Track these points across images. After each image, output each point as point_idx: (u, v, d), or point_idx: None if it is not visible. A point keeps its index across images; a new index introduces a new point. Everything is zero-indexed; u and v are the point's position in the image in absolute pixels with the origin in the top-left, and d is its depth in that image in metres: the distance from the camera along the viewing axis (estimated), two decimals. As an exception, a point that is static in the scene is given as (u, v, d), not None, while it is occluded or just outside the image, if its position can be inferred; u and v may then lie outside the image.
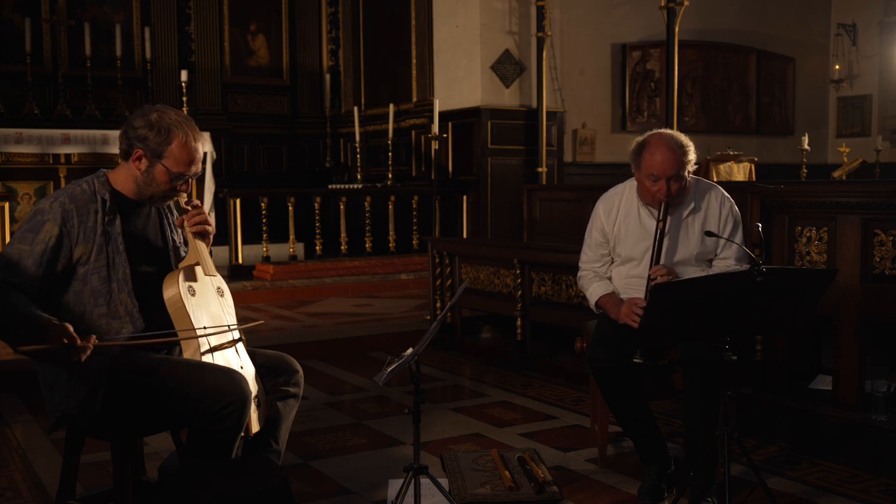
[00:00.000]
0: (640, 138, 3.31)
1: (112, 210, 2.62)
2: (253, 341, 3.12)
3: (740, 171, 8.72)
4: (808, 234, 3.79)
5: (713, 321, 2.73)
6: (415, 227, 8.92)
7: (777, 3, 11.12)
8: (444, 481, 3.26)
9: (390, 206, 8.76)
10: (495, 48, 8.80)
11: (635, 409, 3.18)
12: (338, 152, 11.62)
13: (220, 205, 8.31)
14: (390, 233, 8.75)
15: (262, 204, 8.12)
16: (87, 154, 8.26)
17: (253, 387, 2.67)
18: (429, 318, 6.35)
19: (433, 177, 8.75)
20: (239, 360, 2.69)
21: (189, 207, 2.75)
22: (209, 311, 2.69)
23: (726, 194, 3.38)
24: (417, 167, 10.02)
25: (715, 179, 7.87)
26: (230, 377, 2.52)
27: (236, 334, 2.74)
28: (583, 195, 6.86)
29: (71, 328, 2.26)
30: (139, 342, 2.53)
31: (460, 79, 8.97)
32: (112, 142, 8.06)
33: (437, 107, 8.71)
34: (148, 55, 10.21)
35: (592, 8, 9.42)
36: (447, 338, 6.05)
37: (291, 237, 8.32)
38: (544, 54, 8.73)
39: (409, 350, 2.69)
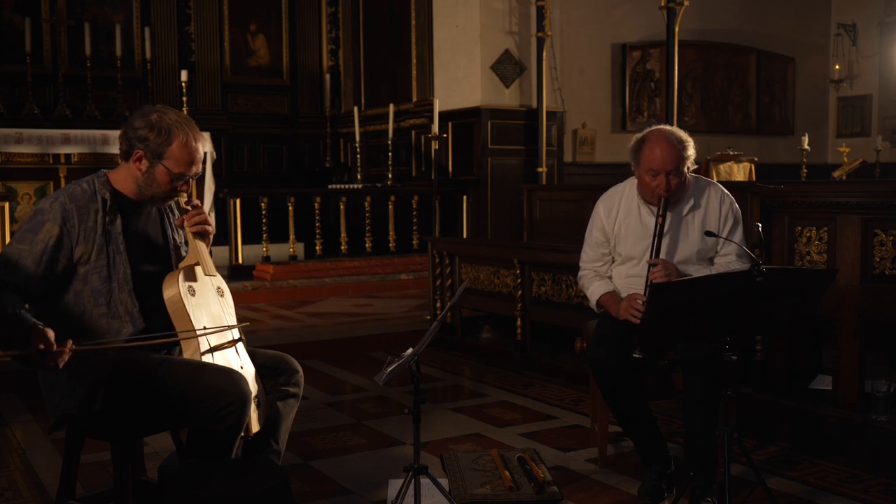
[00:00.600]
0: (639, 135, 3.33)
1: (112, 210, 2.62)
2: (253, 341, 3.12)
3: (740, 171, 8.72)
4: (808, 234, 3.79)
5: (713, 321, 2.73)
6: (415, 227, 8.92)
7: (777, 3, 11.13)
8: (444, 481, 3.26)
9: (390, 206, 8.76)
10: (495, 48, 8.81)
11: (635, 409, 3.18)
12: (338, 152, 11.62)
13: (220, 205, 8.31)
14: (390, 233, 8.75)
15: (262, 204, 8.13)
16: (87, 154, 8.26)
17: (253, 387, 2.67)
18: (429, 318, 6.35)
19: (433, 177, 8.76)
20: (239, 360, 2.69)
21: (189, 207, 2.75)
22: (209, 310, 2.69)
23: (726, 191, 3.39)
24: (417, 167, 10.02)
25: (715, 179, 7.86)
26: (230, 377, 2.52)
27: (236, 334, 2.74)
28: (583, 195, 6.86)
29: (51, 334, 2.23)
30: (123, 345, 2.51)
31: (460, 79, 8.98)
32: (112, 142, 8.06)
33: (437, 107, 8.71)
34: (148, 55, 10.21)
35: (592, 8, 9.42)
36: (447, 338, 6.05)
37: (291, 237, 8.32)
38: (544, 54, 8.73)
39: (409, 350, 2.69)
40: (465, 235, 8.94)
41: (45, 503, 3.24)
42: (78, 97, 9.76)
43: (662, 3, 7.62)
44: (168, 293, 2.60)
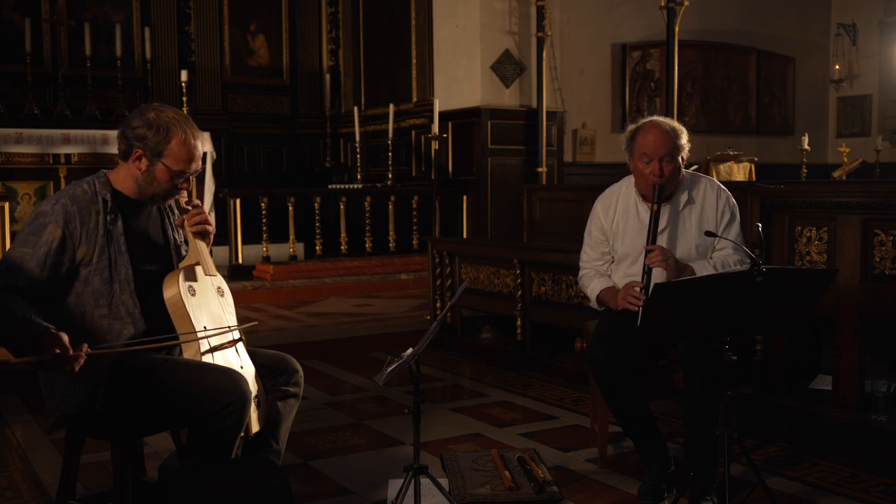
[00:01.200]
0: (632, 126, 3.36)
1: (113, 210, 2.61)
2: (253, 341, 3.12)
3: (740, 171, 8.72)
4: (808, 234, 3.79)
5: (713, 321, 2.73)
6: (415, 227, 8.92)
7: (777, 3, 11.12)
8: (444, 481, 3.26)
9: (390, 206, 8.76)
10: (495, 48, 8.81)
11: (635, 409, 3.18)
12: (338, 152, 11.62)
13: (220, 205, 8.31)
14: (390, 233, 8.75)
15: (262, 204, 8.13)
16: (87, 154, 8.26)
17: (253, 387, 2.67)
18: (429, 318, 6.35)
19: (433, 177, 8.75)
20: (239, 360, 2.69)
21: (189, 207, 2.74)
22: (209, 310, 2.69)
23: (721, 185, 3.40)
24: (417, 167, 10.02)
25: (715, 179, 7.87)
26: (230, 377, 2.52)
27: (237, 334, 2.74)
28: (583, 195, 6.86)
29: (66, 338, 2.24)
30: (134, 347, 2.51)
31: (460, 79, 8.97)
32: (112, 142, 8.05)
33: (437, 107, 8.71)
34: (148, 55, 10.21)
35: (592, 8, 9.42)
36: (447, 338, 6.05)
37: (291, 237, 8.32)
38: (544, 54, 8.73)
39: (409, 350, 2.69)
40: (465, 235, 8.94)
41: (45, 503, 3.24)
42: (78, 97, 9.76)
43: (662, 3, 7.62)
44: (168, 293, 2.60)
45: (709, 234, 3.19)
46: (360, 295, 8.00)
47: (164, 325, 2.60)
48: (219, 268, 2.91)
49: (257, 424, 2.69)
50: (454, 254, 6.08)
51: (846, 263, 3.63)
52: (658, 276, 3.17)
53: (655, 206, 3.22)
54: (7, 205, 6.61)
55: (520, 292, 5.39)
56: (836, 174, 9.47)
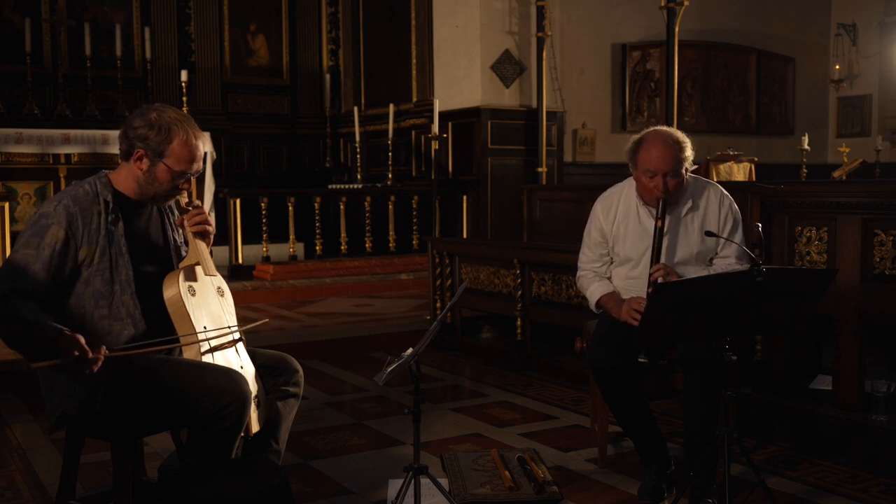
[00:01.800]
0: (636, 136, 3.32)
1: (115, 211, 2.61)
2: (253, 341, 3.12)
3: (740, 171, 8.72)
4: (808, 234, 3.79)
5: (713, 321, 2.73)
6: (415, 227, 8.92)
7: (777, 3, 11.12)
8: (444, 481, 3.26)
9: (390, 206, 8.76)
10: (495, 48, 8.81)
11: (635, 409, 3.18)
12: (338, 152, 11.62)
13: (220, 205, 8.31)
14: (390, 233, 8.75)
15: (262, 204, 8.13)
16: (87, 154, 8.27)
17: (253, 387, 2.67)
18: (429, 318, 6.35)
19: (433, 177, 8.75)
20: (239, 360, 2.69)
21: (189, 207, 2.74)
22: (209, 310, 2.69)
23: (725, 192, 3.38)
24: (417, 167, 10.02)
25: (715, 179, 7.87)
26: (230, 377, 2.52)
27: (237, 334, 2.74)
28: (583, 195, 6.86)
29: (82, 339, 2.26)
30: (151, 349, 2.52)
31: (460, 79, 8.97)
32: (112, 142, 8.06)
33: (437, 107, 8.71)
34: (148, 55, 10.21)
35: (592, 8, 9.42)
36: (447, 338, 6.05)
37: (291, 237, 8.32)
38: (544, 54, 8.73)
39: (409, 350, 2.69)
40: (465, 235, 8.94)
41: (45, 503, 3.24)
42: (78, 97, 9.76)
43: (662, 3, 7.62)
44: (168, 293, 2.60)
45: (709, 234, 3.19)
46: (360, 295, 8.00)
47: (164, 325, 2.60)
48: (219, 268, 2.91)
49: (257, 424, 2.69)
50: (454, 254, 6.08)
51: (846, 263, 3.63)
52: None
53: (660, 222, 3.21)
54: (7, 205, 6.61)
55: (520, 292, 5.39)
56: (836, 174, 9.47)
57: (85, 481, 3.29)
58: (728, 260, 3.31)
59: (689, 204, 3.32)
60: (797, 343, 4.01)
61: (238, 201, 8.11)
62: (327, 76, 11.48)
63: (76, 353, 2.23)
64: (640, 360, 3.16)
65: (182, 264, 2.71)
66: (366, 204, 8.74)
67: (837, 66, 11.90)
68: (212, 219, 2.82)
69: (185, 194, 2.73)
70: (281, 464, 2.73)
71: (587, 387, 4.34)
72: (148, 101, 9.91)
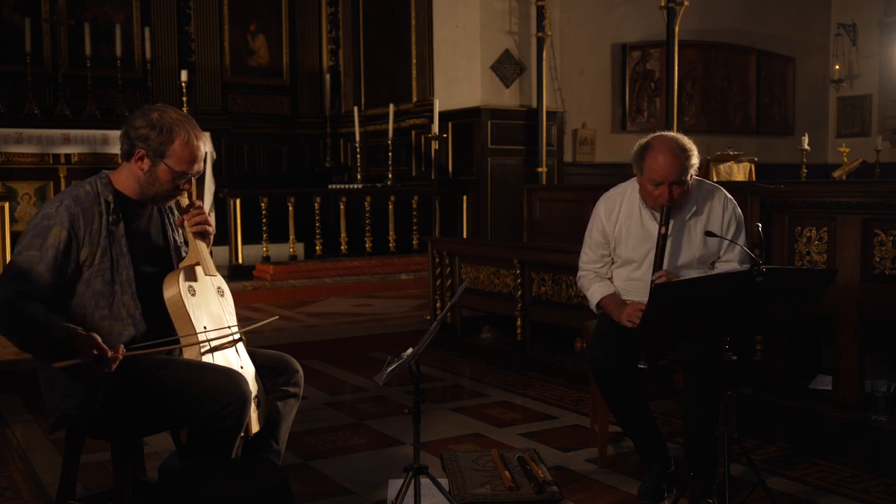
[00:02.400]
0: (642, 141, 3.28)
1: (116, 211, 2.61)
2: (253, 341, 3.12)
3: (740, 171, 8.73)
4: (808, 234, 3.79)
5: (713, 321, 2.73)
6: (415, 227, 8.92)
7: (777, 3, 11.12)
8: (444, 481, 3.26)
9: (390, 206, 8.76)
10: (495, 48, 8.81)
11: (635, 409, 3.18)
12: (338, 152, 11.62)
13: (220, 205, 8.31)
14: (390, 233, 8.75)
15: (262, 204, 8.13)
16: (87, 154, 8.27)
17: (253, 387, 2.67)
18: (429, 318, 6.35)
19: (433, 177, 8.75)
20: (239, 360, 2.69)
21: (189, 207, 2.74)
22: (209, 310, 2.69)
23: (729, 196, 3.37)
24: (417, 167, 10.02)
25: (715, 179, 7.88)
26: (230, 377, 2.52)
27: (237, 334, 2.74)
28: (583, 195, 6.86)
29: (98, 338, 2.27)
30: (169, 346, 2.53)
31: (460, 79, 8.97)
32: (112, 142, 8.06)
33: (437, 107, 8.71)
34: (148, 55, 10.21)
35: (592, 8, 9.42)
36: (447, 338, 6.05)
37: (291, 237, 8.32)
38: (544, 54, 8.73)
39: (409, 350, 2.69)
40: (465, 235, 8.94)
41: (45, 503, 3.24)
42: (78, 97, 9.75)
43: (662, 3, 7.62)
44: (168, 293, 2.60)
45: (709, 234, 3.19)
46: (360, 295, 8.00)
47: (164, 326, 2.60)
48: (219, 268, 2.91)
49: (257, 424, 2.70)
50: (454, 254, 6.08)
51: (846, 263, 3.63)
52: None
53: (663, 229, 3.20)
54: (7, 205, 6.61)
55: (520, 292, 5.39)
56: (836, 174, 9.47)
57: (85, 481, 3.29)
58: (731, 264, 3.29)
59: (694, 209, 3.31)
60: (797, 343, 4.01)
61: (238, 201, 8.11)
62: (327, 76, 11.48)
63: (95, 353, 2.25)
64: (640, 365, 3.16)
65: (182, 264, 2.71)
66: (366, 204, 8.74)
67: (837, 66, 11.90)
68: (212, 219, 2.82)
69: (185, 194, 2.73)
70: (281, 464, 2.73)
71: (587, 387, 4.34)
72: (148, 102, 9.95)
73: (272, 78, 11.40)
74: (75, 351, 2.27)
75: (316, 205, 8.42)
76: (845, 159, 9.69)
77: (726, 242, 3.30)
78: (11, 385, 4.77)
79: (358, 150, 9.85)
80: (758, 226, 3.16)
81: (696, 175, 3.28)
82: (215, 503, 2.26)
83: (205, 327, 2.63)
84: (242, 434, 2.58)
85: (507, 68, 8.87)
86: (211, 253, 2.81)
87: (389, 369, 2.67)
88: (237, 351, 2.71)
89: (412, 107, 9.92)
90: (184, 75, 9.07)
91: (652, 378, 3.42)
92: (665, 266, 3.21)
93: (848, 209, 3.64)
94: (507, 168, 8.88)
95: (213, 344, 2.63)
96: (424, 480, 2.82)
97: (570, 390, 4.85)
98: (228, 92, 11.08)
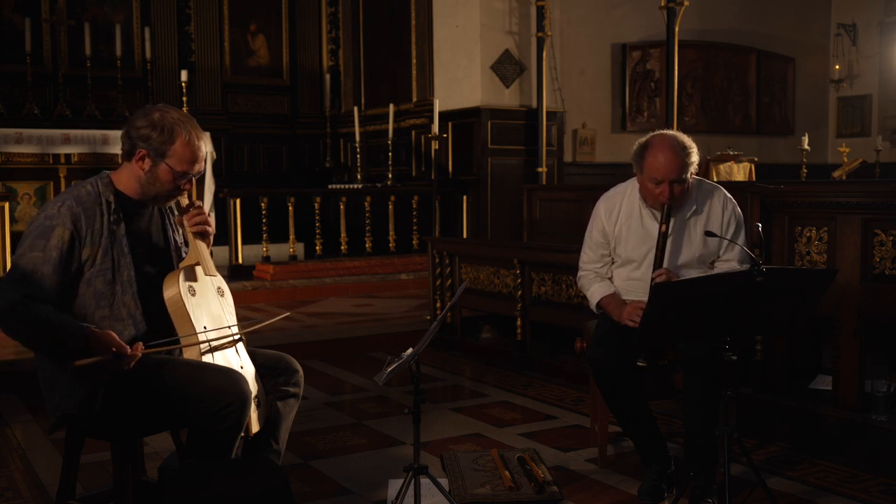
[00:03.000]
0: (642, 139, 3.28)
1: (117, 212, 2.61)
2: (253, 341, 3.12)
3: (740, 171, 8.72)
4: (808, 234, 3.79)
5: (713, 321, 2.73)
6: (415, 227, 8.92)
7: (777, 3, 11.12)
8: (444, 481, 3.26)
9: (390, 206, 8.76)
10: (495, 48, 8.80)
11: (635, 409, 3.18)
12: (338, 152, 11.62)
13: (220, 205, 8.31)
14: (390, 233, 8.75)
15: (262, 204, 8.12)
16: (88, 154, 8.27)
17: (253, 387, 2.67)
18: (429, 318, 6.35)
19: (433, 177, 8.75)
20: (239, 360, 2.70)
21: (189, 207, 2.74)
22: (209, 310, 2.69)
23: (729, 196, 3.37)
24: (417, 167, 10.02)
25: (715, 179, 7.87)
26: (230, 377, 2.52)
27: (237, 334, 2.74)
28: (583, 195, 6.86)
29: (115, 336, 2.28)
30: (191, 343, 2.55)
31: (460, 79, 8.97)
32: (112, 142, 8.06)
33: (437, 107, 8.71)
34: (148, 55, 10.21)
35: (592, 8, 9.42)
36: (447, 338, 6.05)
37: (291, 237, 8.32)
38: (544, 54, 8.73)
39: (409, 350, 2.69)
40: (465, 235, 8.94)
41: (45, 503, 3.24)
42: (78, 97, 9.75)
43: (662, 3, 7.62)
44: (168, 293, 2.60)
45: (709, 233, 3.19)
46: (360, 295, 8.00)
47: (164, 326, 2.60)
48: (219, 268, 2.91)
49: (257, 424, 2.70)
50: (454, 254, 6.08)
51: (846, 263, 3.63)
52: None
53: (664, 227, 3.20)
54: (7, 205, 6.62)
55: (520, 292, 5.39)
56: (836, 174, 9.47)
57: (85, 481, 3.29)
58: (731, 264, 3.29)
59: (694, 208, 3.31)
60: (797, 343, 4.01)
61: (238, 201, 8.11)
62: (327, 76, 11.48)
63: (114, 350, 2.25)
64: (639, 363, 3.16)
65: (182, 264, 2.71)
66: (366, 204, 8.74)
67: (837, 66, 11.90)
68: (212, 219, 2.82)
69: (186, 194, 2.73)
70: (281, 464, 2.73)
71: (587, 387, 4.34)
72: (148, 102, 9.95)
73: (272, 78, 11.40)
74: (91, 349, 2.28)
75: (316, 205, 8.42)
76: (845, 159, 9.69)
77: (726, 242, 3.30)
78: (11, 385, 4.77)
79: (358, 150, 9.85)
80: (758, 226, 3.16)
81: (696, 174, 3.29)
82: (215, 503, 2.26)
83: (205, 327, 2.63)
84: (242, 434, 2.58)
85: (507, 68, 8.87)
86: (211, 253, 2.81)
87: (389, 369, 2.67)
88: (237, 351, 2.71)
89: (412, 107, 9.92)
90: (184, 75, 9.07)
91: (652, 378, 3.42)
92: (665, 265, 3.21)
93: (848, 209, 3.64)
94: (507, 168, 8.88)
95: (214, 344, 2.63)
96: (424, 480, 2.82)
97: (570, 390, 4.85)
98: (228, 92, 11.08)
